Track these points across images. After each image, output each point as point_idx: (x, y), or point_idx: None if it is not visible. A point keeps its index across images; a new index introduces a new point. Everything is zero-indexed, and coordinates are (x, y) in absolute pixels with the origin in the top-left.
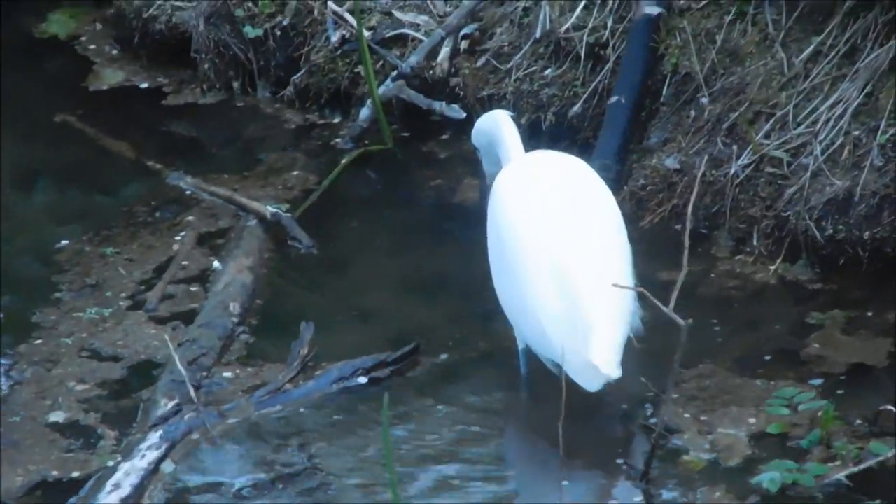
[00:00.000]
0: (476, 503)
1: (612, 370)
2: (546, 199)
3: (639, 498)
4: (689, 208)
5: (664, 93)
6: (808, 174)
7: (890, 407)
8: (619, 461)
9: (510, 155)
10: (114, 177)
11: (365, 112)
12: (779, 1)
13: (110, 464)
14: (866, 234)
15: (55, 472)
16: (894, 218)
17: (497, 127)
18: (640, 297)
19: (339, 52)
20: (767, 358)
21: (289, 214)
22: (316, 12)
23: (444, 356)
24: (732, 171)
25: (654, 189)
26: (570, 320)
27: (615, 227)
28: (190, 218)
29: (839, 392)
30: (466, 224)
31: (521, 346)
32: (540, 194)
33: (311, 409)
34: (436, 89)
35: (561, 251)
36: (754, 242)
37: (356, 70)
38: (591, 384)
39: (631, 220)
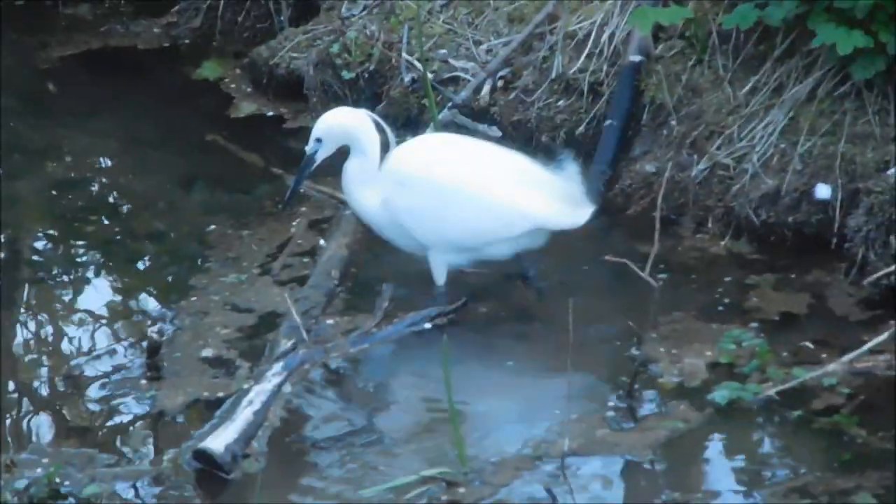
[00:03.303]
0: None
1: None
2: (465, 151)
3: (625, 408)
4: (659, 200)
5: (644, 118)
6: (748, 176)
7: (808, 343)
8: (611, 382)
9: (372, 149)
10: (249, 180)
11: (429, 132)
12: (727, 51)
13: (245, 387)
14: (790, 219)
15: (206, 393)
16: (810, 207)
17: (363, 128)
18: None
19: (410, 89)
20: (719, 308)
21: None
22: (393, 60)
23: (484, 309)
24: (694, 173)
25: (637, 187)
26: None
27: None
28: (304, 209)
29: (772, 333)
30: None
31: (442, 260)
32: (457, 150)
33: (390, 347)
34: (480, 116)
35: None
36: (709, 225)
37: (422, 102)
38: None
39: (620, 209)
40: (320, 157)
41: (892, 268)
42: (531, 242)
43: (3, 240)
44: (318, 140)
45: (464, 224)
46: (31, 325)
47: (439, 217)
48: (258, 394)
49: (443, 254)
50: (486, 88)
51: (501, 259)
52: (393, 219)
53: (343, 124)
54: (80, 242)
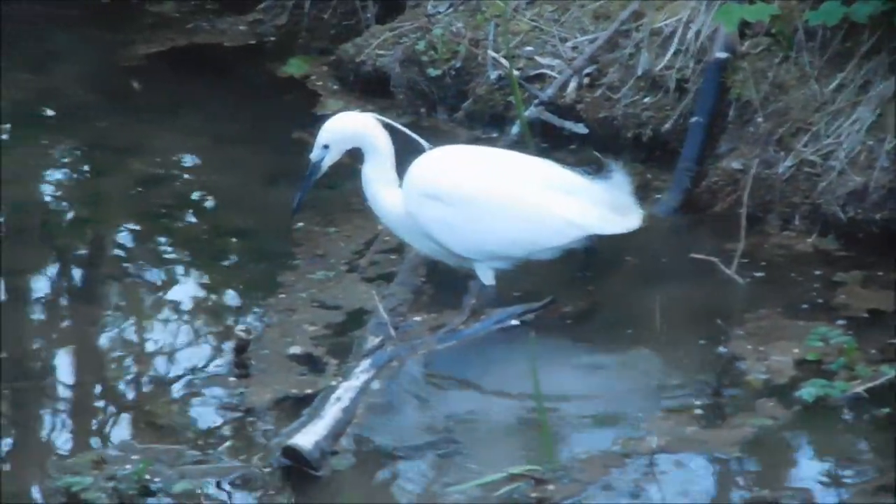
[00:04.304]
0: (587, 404)
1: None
2: (493, 162)
3: (712, 405)
4: (745, 197)
5: (730, 114)
6: (835, 173)
7: None
8: (698, 379)
9: (386, 150)
10: (335, 176)
11: (515, 129)
12: (813, 48)
13: (333, 383)
14: (877, 216)
15: (294, 390)
16: None
17: (373, 130)
18: None
19: (496, 86)
20: (806, 306)
21: None
22: (479, 58)
23: (570, 307)
24: (780, 170)
25: (723, 184)
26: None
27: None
28: None
29: (859, 330)
30: None
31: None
32: (484, 163)
33: (477, 344)
34: (565, 113)
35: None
36: (796, 222)
37: (509, 99)
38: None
39: (705, 206)
40: (326, 163)
41: None
42: (577, 244)
43: (89, 237)
44: (325, 146)
45: (510, 236)
46: (118, 322)
47: (482, 230)
48: (346, 391)
49: (486, 262)
50: (572, 85)
51: (547, 260)
52: (419, 229)
53: (351, 128)
54: (166, 239)
